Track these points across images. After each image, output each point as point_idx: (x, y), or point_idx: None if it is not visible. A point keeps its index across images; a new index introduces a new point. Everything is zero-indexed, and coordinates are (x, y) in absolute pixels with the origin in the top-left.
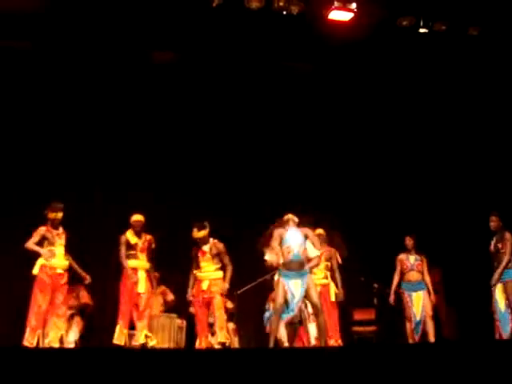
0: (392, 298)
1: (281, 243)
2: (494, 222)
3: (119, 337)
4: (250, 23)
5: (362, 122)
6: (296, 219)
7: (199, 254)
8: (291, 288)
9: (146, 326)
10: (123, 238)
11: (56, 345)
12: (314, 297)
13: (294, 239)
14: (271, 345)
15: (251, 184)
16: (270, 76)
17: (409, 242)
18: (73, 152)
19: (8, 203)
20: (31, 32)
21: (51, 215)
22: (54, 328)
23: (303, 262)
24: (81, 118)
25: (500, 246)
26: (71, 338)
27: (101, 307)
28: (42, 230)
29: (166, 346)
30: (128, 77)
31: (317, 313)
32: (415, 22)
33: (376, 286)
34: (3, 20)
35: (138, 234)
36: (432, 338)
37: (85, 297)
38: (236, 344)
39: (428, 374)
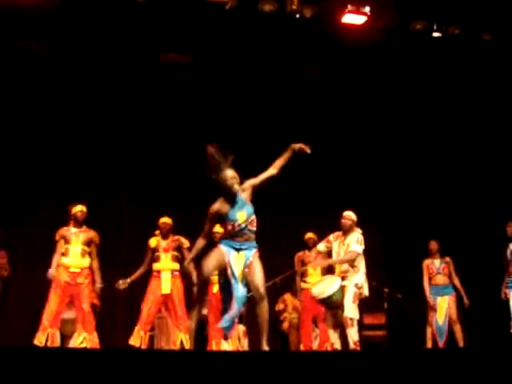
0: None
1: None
2: (511, 228)
3: (135, 338)
4: (263, 26)
5: (375, 126)
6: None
7: None
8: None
9: (186, 330)
10: (148, 243)
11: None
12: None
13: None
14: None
15: (270, 187)
16: (283, 78)
17: (433, 246)
18: (81, 153)
19: (29, 201)
20: (46, 35)
21: (71, 212)
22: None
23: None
24: (92, 119)
25: None
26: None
27: (111, 308)
28: (60, 230)
29: (174, 347)
30: (141, 80)
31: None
32: (428, 26)
33: (386, 290)
34: (20, 23)
35: (165, 236)
36: (460, 343)
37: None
38: (246, 346)
39: (437, 380)
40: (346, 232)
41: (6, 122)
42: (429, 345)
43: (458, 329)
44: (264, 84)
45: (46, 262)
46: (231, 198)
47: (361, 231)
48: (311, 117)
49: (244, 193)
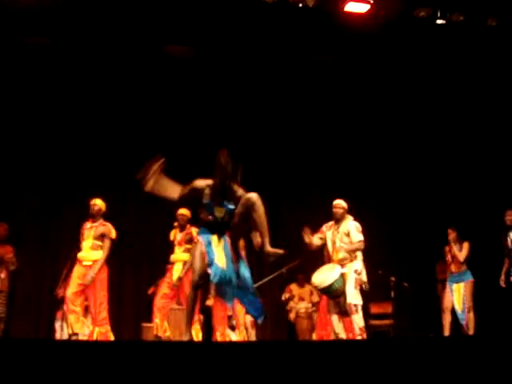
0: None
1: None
2: (511, 216)
3: (160, 329)
4: (266, 16)
5: (381, 114)
6: None
7: None
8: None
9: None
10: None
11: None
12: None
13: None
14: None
15: (273, 178)
16: (286, 68)
17: (450, 234)
18: (82, 150)
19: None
20: (50, 28)
21: (89, 207)
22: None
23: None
24: (96, 112)
25: None
26: (86, 331)
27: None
28: (82, 226)
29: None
30: (145, 72)
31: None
32: (432, 13)
33: (393, 279)
34: (23, 17)
35: (183, 228)
36: (470, 331)
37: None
38: (253, 337)
39: (445, 369)
40: (339, 220)
41: (8, 122)
42: (446, 332)
43: (470, 317)
44: (267, 74)
45: (53, 256)
46: (218, 190)
47: (352, 218)
48: (315, 105)
49: (235, 193)
